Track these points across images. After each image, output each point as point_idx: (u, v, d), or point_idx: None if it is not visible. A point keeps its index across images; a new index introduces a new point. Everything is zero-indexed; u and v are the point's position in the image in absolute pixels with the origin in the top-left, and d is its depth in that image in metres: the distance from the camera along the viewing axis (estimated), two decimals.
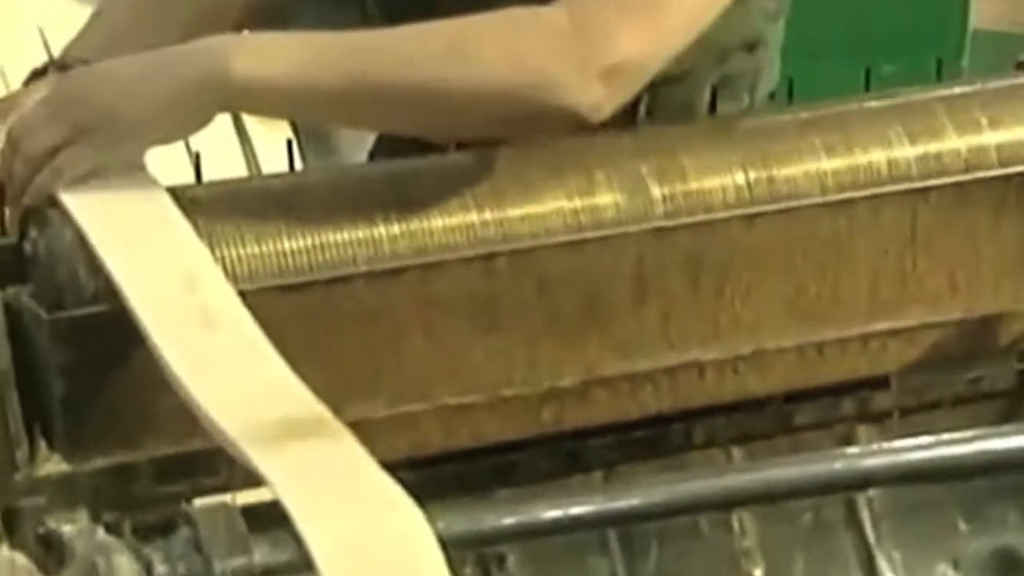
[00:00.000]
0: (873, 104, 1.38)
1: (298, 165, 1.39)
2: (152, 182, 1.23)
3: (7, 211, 1.26)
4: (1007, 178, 1.36)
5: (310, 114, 1.28)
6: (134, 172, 1.23)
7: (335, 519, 1.02)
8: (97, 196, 1.21)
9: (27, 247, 1.23)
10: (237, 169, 2.39)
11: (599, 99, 1.22)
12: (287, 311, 1.21)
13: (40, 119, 1.23)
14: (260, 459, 1.05)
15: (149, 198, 1.22)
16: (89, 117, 1.21)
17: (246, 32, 1.30)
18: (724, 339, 1.33)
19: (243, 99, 1.22)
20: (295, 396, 1.11)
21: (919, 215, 1.35)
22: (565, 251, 1.28)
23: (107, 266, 1.17)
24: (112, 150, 1.22)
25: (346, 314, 1.24)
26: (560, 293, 1.28)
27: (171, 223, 1.20)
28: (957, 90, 1.40)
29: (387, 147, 1.56)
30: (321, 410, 1.10)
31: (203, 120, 1.23)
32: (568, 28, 1.22)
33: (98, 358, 1.19)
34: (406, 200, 1.26)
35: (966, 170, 1.35)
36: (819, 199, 1.32)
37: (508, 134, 1.28)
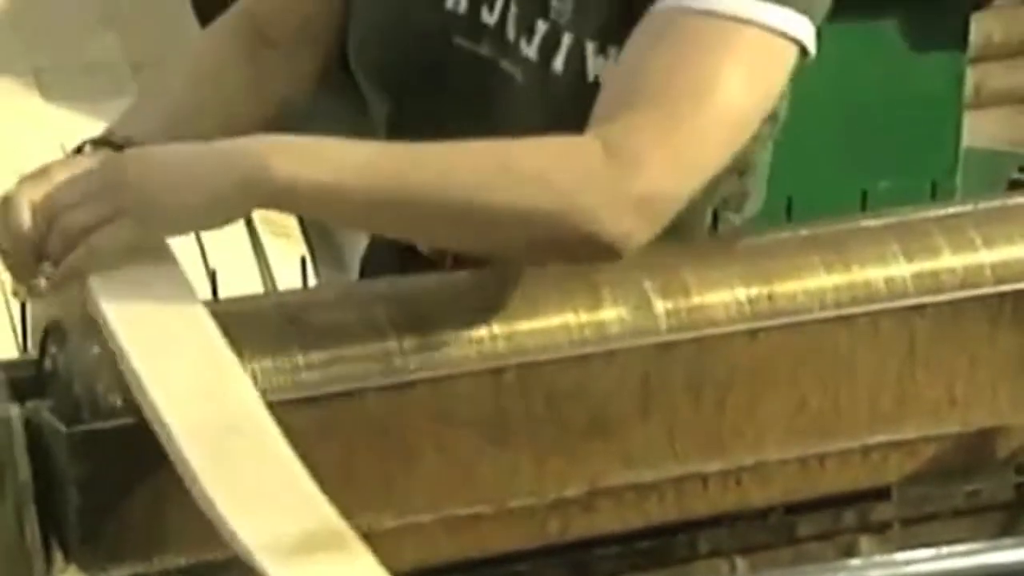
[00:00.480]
0: (870, 223, 1.41)
1: (312, 281, 1.42)
2: (183, 279, 1.25)
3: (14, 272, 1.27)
4: (1002, 295, 1.39)
5: (347, 219, 1.29)
6: (167, 265, 1.25)
7: None
8: (128, 289, 1.23)
9: (46, 363, 1.25)
10: (253, 284, 2.42)
11: (631, 229, 1.23)
12: (301, 424, 1.23)
13: (81, 196, 1.24)
14: (277, 572, 1.07)
15: (179, 297, 1.24)
16: (130, 201, 1.23)
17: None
18: (727, 451, 1.35)
19: (285, 199, 1.22)
20: (316, 509, 1.12)
21: (917, 330, 1.38)
22: (572, 365, 1.31)
23: (131, 363, 1.19)
24: (148, 236, 1.24)
25: (358, 427, 1.27)
26: (567, 406, 1.30)
27: (200, 325, 1.22)
28: (951, 210, 1.44)
29: (376, 260, 1.58)
30: (341, 525, 1.11)
31: (241, 214, 1.25)
32: (603, 157, 1.23)
33: (115, 471, 1.21)
34: (417, 316, 1.29)
35: (962, 287, 1.38)
36: (819, 315, 1.35)
37: (540, 258, 1.29)
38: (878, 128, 2.79)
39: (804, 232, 1.39)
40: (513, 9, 1.40)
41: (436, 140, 1.28)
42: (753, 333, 1.33)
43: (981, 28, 3.13)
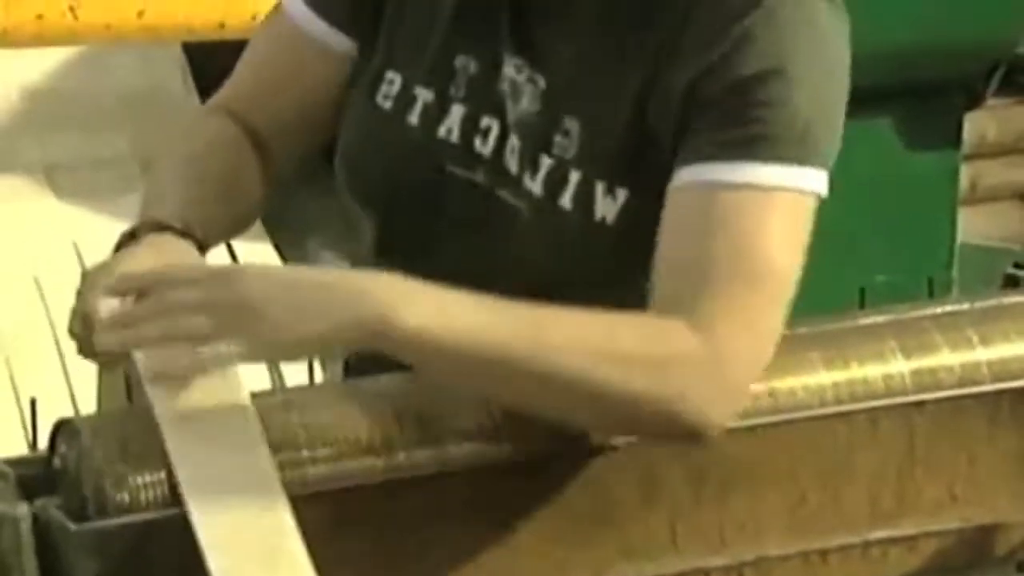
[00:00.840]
0: (868, 321, 1.43)
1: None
2: (242, 392, 1.25)
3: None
4: (999, 393, 1.41)
5: (449, 375, 1.28)
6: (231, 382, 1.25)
7: None
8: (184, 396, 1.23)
9: (56, 460, 1.26)
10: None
11: (727, 420, 1.28)
12: (308, 519, 1.24)
13: (198, 302, 1.22)
14: None
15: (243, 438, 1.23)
16: (250, 322, 1.21)
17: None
18: (728, 546, 1.35)
19: (401, 346, 1.22)
20: None
21: (916, 427, 1.39)
22: (575, 458, 1.32)
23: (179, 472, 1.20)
24: (255, 360, 1.24)
25: (363, 520, 1.27)
26: (570, 499, 1.31)
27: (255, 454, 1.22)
28: (948, 308, 1.46)
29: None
30: None
31: (354, 349, 1.27)
32: (707, 354, 1.26)
33: (123, 570, 1.21)
34: (420, 411, 1.30)
35: (960, 385, 1.40)
36: (818, 411, 1.37)
37: (621, 433, 1.31)
38: (875, 224, 2.81)
39: (803, 329, 1.41)
40: (513, 142, 1.41)
41: (425, 262, 1.30)
42: (753, 429, 1.35)
43: (975, 126, 3.16)
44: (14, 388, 2.62)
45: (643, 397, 1.26)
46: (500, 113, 1.42)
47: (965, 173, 2.99)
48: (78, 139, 3.05)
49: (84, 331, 1.31)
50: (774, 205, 1.31)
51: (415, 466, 1.28)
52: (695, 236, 1.31)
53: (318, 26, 1.50)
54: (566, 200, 1.39)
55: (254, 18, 2.65)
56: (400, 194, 1.46)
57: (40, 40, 2.77)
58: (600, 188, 1.38)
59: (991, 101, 2.90)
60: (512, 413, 1.30)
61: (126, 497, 1.21)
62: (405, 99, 1.45)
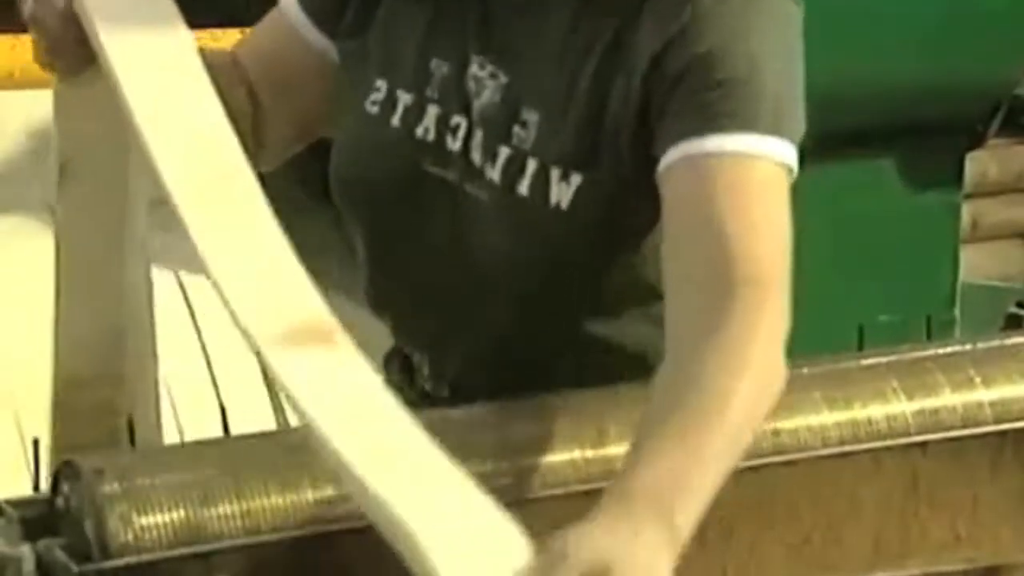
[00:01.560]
0: (871, 361, 1.44)
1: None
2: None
3: None
4: (1002, 434, 1.41)
5: None
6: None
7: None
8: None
9: (59, 501, 1.27)
10: (265, 420, 2.44)
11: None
12: (311, 560, 1.24)
13: None
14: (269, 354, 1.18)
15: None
16: None
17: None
18: None
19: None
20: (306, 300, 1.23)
21: (919, 468, 1.40)
22: (578, 500, 1.32)
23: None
24: None
25: (365, 562, 1.28)
26: None
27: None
28: (950, 349, 1.46)
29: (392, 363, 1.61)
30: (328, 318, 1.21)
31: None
32: (761, 302, 1.30)
33: None
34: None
35: (962, 426, 1.41)
36: (822, 451, 1.37)
37: None
38: (876, 263, 2.82)
39: (805, 370, 1.41)
40: (478, 136, 1.47)
41: (411, 257, 1.46)
42: (757, 469, 1.35)
43: (976, 165, 3.17)
44: (19, 429, 2.62)
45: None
46: (467, 110, 1.47)
47: (966, 212, 2.99)
48: None
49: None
50: (759, 171, 1.35)
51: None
52: (696, 206, 1.34)
53: (302, 20, 1.57)
54: (523, 188, 1.44)
55: None
56: (384, 194, 1.51)
57: (48, 82, 2.78)
58: (555, 174, 1.43)
59: (992, 141, 2.91)
60: (515, 456, 1.31)
61: (130, 537, 1.22)
62: (389, 103, 1.51)
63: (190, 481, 1.25)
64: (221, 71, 1.46)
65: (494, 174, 1.45)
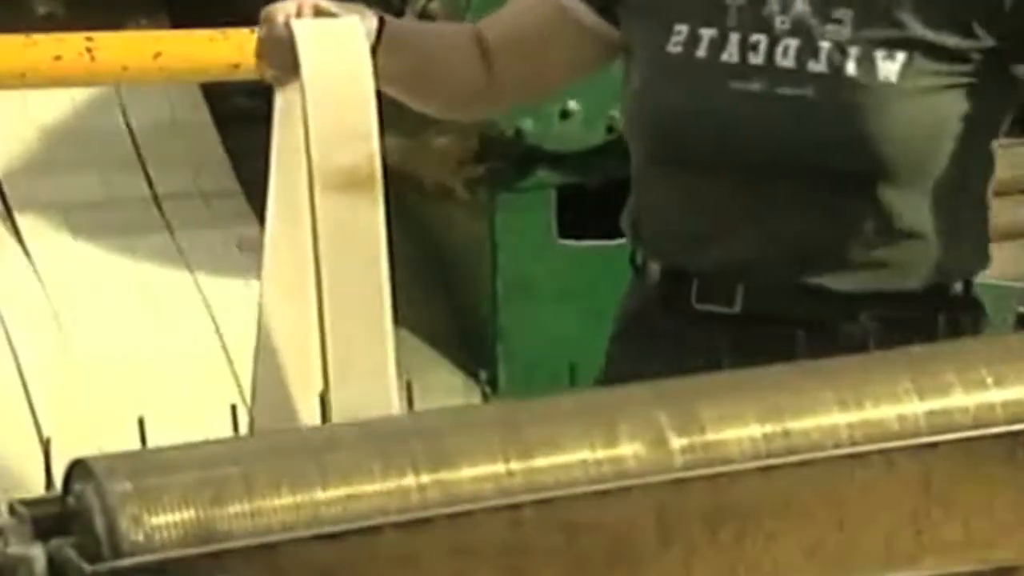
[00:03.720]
0: (882, 361, 1.43)
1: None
2: None
3: None
4: (1015, 435, 1.41)
5: None
6: None
7: None
8: None
9: (70, 500, 1.27)
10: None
11: None
12: (321, 560, 1.24)
13: None
14: None
15: None
16: None
17: None
18: None
19: None
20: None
21: (932, 468, 1.39)
22: (589, 501, 1.32)
23: None
24: None
25: (377, 563, 1.28)
26: (585, 541, 1.31)
27: None
28: (962, 348, 1.46)
29: (640, 317, 1.98)
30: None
31: None
32: None
33: None
34: (435, 451, 1.30)
35: (974, 426, 1.40)
36: (833, 452, 1.37)
37: None
38: None
39: (817, 369, 1.41)
40: (788, 43, 1.82)
41: (708, 167, 1.83)
42: (768, 470, 1.35)
43: None
44: (37, 427, 2.63)
45: None
46: (768, 29, 1.83)
47: None
48: (95, 178, 3.07)
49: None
50: None
51: (427, 507, 1.28)
52: None
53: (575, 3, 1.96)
54: (851, 68, 1.79)
55: None
56: (695, 116, 1.84)
57: (57, 81, 2.80)
58: (879, 54, 1.78)
59: (1003, 140, 2.91)
60: (526, 456, 1.31)
61: (141, 537, 1.22)
62: (692, 40, 1.86)
63: (201, 480, 1.25)
64: (456, 45, 1.98)
65: (818, 66, 1.79)
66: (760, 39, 1.83)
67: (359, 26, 1.81)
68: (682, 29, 1.87)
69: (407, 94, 2.01)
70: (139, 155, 3.08)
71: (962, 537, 1.41)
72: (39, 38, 2.72)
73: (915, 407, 1.40)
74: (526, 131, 3.14)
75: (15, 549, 1.23)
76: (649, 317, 1.93)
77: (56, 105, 3.03)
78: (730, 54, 1.85)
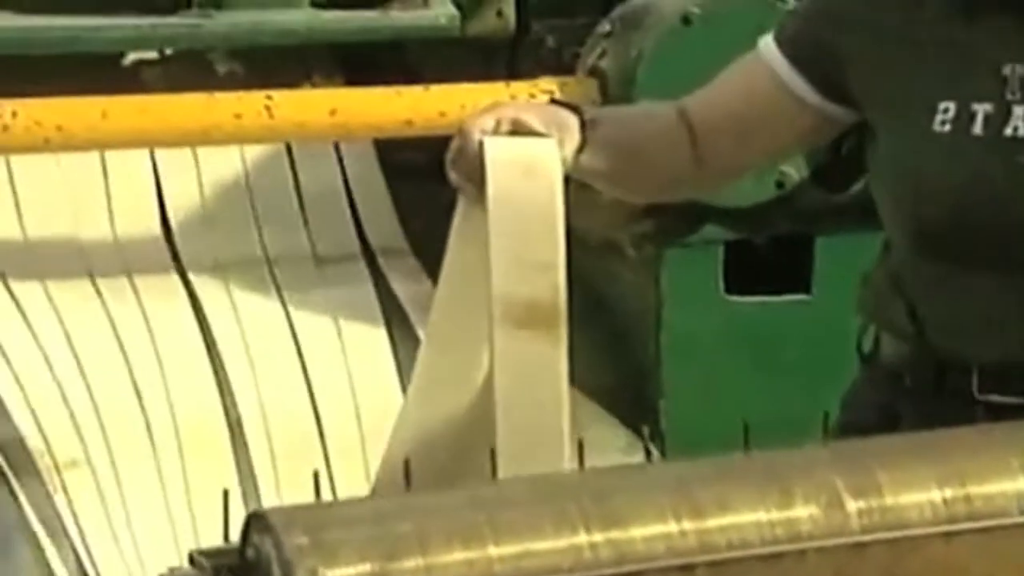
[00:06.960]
0: None
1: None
2: None
3: None
4: None
5: None
6: None
7: None
8: None
9: (249, 552, 1.28)
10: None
11: None
12: None
13: None
14: None
15: None
16: None
17: None
18: None
19: None
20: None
21: None
22: (762, 563, 1.30)
23: None
24: None
25: None
26: None
27: None
28: None
29: (860, 399, 1.88)
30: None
31: None
32: None
33: None
34: (607, 510, 1.30)
35: None
36: (1017, 518, 1.34)
37: None
38: None
39: (999, 433, 1.38)
40: None
41: (980, 245, 1.72)
42: (949, 536, 1.32)
43: None
44: (185, 480, 2.66)
45: None
46: None
47: None
48: (265, 235, 3.08)
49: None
50: None
51: (599, 565, 1.27)
52: None
53: (793, 78, 1.85)
54: None
55: (442, 115, 2.71)
56: (973, 196, 1.74)
57: (238, 138, 2.84)
58: None
59: None
60: (698, 516, 1.30)
61: None
62: (965, 117, 1.75)
63: (376, 535, 1.26)
64: (662, 131, 1.89)
65: None
66: None
67: (553, 148, 1.76)
68: (949, 107, 1.76)
69: (612, 188, 1.94)
70: (304, 214, 3.09)
71: None
72: (220, 96, 2.77)
73: None
74: None
75: None
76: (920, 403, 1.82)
77: (233, 162, 3.07)
78: (1015, 128, 1.74)
